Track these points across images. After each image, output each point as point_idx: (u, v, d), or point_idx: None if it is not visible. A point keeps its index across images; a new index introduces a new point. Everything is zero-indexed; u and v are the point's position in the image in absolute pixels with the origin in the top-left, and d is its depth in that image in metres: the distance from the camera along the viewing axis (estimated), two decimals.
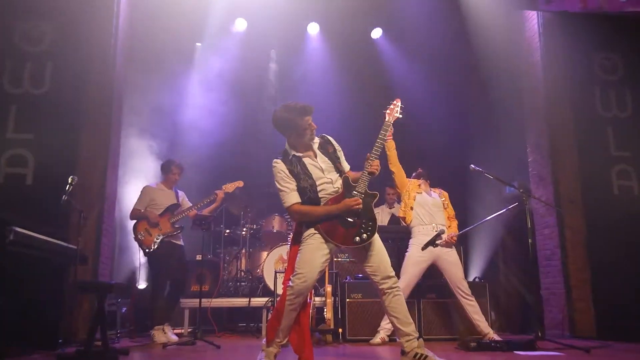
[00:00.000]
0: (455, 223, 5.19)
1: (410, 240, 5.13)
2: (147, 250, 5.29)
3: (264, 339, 3.56)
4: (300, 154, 3.55)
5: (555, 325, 5.75)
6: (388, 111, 3.72)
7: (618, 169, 5.88)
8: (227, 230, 7.23)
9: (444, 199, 5.23)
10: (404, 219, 5.18)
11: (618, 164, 5.90)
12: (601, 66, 6.15)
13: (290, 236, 5.84)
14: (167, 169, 5.60)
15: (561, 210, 5.65)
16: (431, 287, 5.38)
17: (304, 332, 3.50)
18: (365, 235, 3.43)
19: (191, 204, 5.59)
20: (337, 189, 3.51)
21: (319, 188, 3.49)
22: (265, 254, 6.75)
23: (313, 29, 8.06)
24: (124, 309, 5.73)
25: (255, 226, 7.28)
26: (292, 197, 3.48)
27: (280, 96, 8.38)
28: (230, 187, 5.63)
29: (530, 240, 4.63)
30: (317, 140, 3.62)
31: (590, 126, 5.99)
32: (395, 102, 3.75)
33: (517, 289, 6.59)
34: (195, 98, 7.58)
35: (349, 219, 3.44)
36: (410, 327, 3.47)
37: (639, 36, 6.11)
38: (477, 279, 5.83)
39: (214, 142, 7.40)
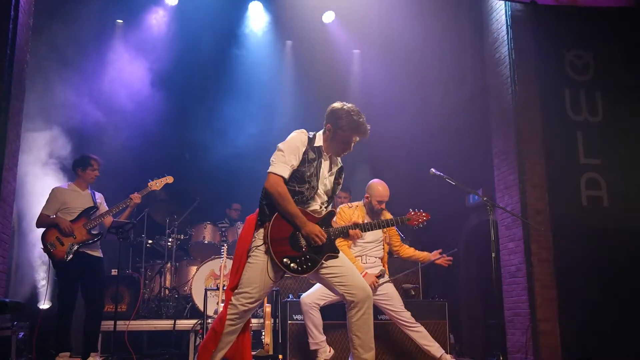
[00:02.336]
0: (405, 248, 5.37)
1: None
2: (59, 263, 5.15)
3: None
4: (324, 152, 3.70)
5: (518, 349, 6.03)
6: (413, 213, 4.15)
7: (587, 177, 6.25)
8: (150, 241, 7.14)
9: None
10: None
11: (587, 173, 6.26)
12: (572, 65, 6.52)
13: (225, 247, 5.91)
14: (84, 163, 5.46)
15: (528, 222, 5.93)
16: None
17: (244, 350, 3.57)
18: (294, 265, 3.53)
19: (108, 209, 5.49)
20: (318, 210, 3.67)
21: (313, 194, 3.63)
22: (194, 268, 6.71)
23: (256, 8, 8.09)
24: (21, 334, 5.53)
25: (182, 236, 7.24)
26: (283, 169, 3.56)
27: (213, 87, 8.36)
28: (157, 184, 5.54)
29: (493, 255, 4.82)
30: (339, 161, 3.81)
31: (559, 131, 6.33)
32: (425, 214, 4.15)
33: (479, 309, 6.86)
34: (114, 85, 7.44)
35: (300, 241, 3.55)
36: (370, 354, 3.58)
37: (613, 33, 6.50)
38: (435, 298, 6.03)
39: (135, 137, 7.30)
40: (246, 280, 3.51)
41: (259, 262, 3.52)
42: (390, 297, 5.07)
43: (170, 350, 6.41)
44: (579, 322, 5.75)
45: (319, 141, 3.70)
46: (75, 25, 6.87)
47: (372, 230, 3.91)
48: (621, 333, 5.67)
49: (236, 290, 3.54)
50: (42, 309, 6.11)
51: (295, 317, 5.32)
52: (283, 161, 3.57)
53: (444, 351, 4.99)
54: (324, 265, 3.60)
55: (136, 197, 5.42)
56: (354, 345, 3.60)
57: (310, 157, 3.64)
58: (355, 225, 3.78)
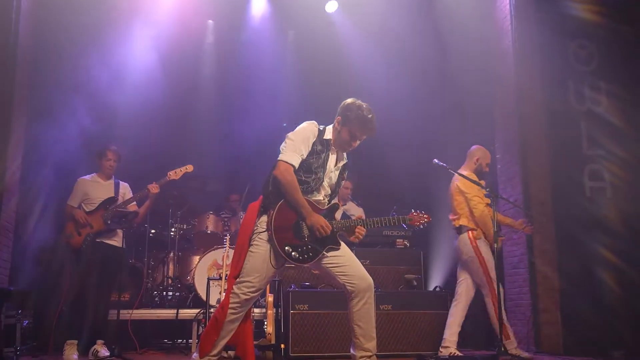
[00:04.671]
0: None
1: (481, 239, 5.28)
2: (75, 252, 5.23)
3: (195, 353, 3.63)
4: (332, 146, 3.75)
5: (520, 340, 6.06)
6: (415, 214, 4.01)
7: (590, 168, 6.27)
8: (153, 231, 7.18)
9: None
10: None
11: (590, 163, 6.28)
12: (575, 55, 6.51)
13: (227, 237, 5.95)
14: (101, 154, 5.54)
15: (531, 213, 5.95)
16: (387, 297, 5.56)
17: (246, 338, 3.63)
18: (295, 254, 3.57)
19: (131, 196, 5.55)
20: (321, 201, 3.72)
21: (318, 185, 3.68)
22: (196, 258, 6.76)
23: None
24: (25, 322, 5.59)
25: (185, 226, 7.28)
26: (293, 158, 3.60)
27: (218, 75, 8.37)
28: (177, 173, 5.56)
29: (496, 246, 4.85)
30: (345, 157, 3.85)
31: (563, 121, 6.34)
32: (427, 216, 4.03)
33: (481, 300, 6.88)
34: (119, 74, 7.45)
35: (303, 231, 3.58)
36: (371, 343, 3.63)
37: (618, 23, 6.47)
38: (437, 289, 6.07)
39: (139, 127, 7.32)
40: (248, 269, 3.56)
41: (261, 251, 3.56)
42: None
43: (173, 339, 6.47)
44: (580, 313, 5.78)
45: (328, 134, 3.74)
46: (78, 14, 6.88)
47: (374, 227, 3.90)
48: (623, 324, 5.70)
49: (238, 279, 3.58)
50: (49, 298, 6.16)
51: (297, 307, 5.36)
52: (293, 150, 3.61)
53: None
54: (325, 255, 3.64)
55: (154, 188, 5.44)
56: (355, 335, 3.64)
57: (319, 149, 3.68)
58: (359, 221, 3.79)
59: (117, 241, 5.48)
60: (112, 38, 7.45)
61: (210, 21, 8.37)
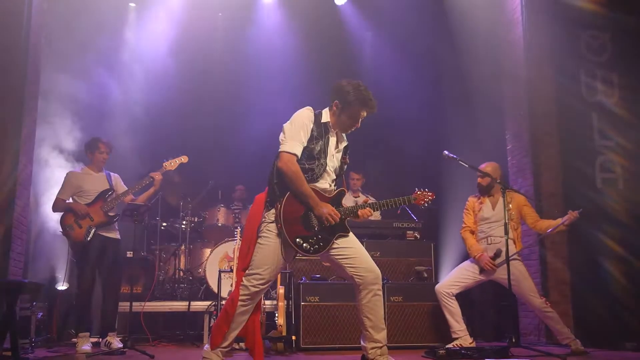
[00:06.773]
0: (540, 223, 5.25)
1: None
2: (78, 245, 5.25)
3: (207, 345, 3.65)
4: (331, 128, 3.71)
5: (531, 331, 6.05)
6: (419, 192, 3.92)
7: (602, 159, 6.21)
8: (164, 223, 7.22)
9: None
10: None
11: (602, 155, 6.22)
12: (588, 45, 6.44)
13: (238, 230, 5.97)
14: (93, 147, 5.53)
15: (542, 204, 5.92)
16: (397, 289, 5.56)
17: (255, 330, 3.64)
18: (307, 245, 3.56)
19: (127, 188, 5.56)
20: (328, 189, 3.69)
21: (322, 171, 3.64)
22: (208, 251, 6.80)
23: None
24: (40, 314, 5.66)
25: (196, 219, 7.31)
26: (295, 147, 3.57)
27: (225, 68, 8.37)
28: (172, 164, 5.57)
29: (506, 237, 4.83)
30: (345, 138, 3.81)
31: (574, 112, 6.27)
32: (431, 194, 3.94)
33: (491, 292, 6.87)
34: (127, 67, 7.48)
35: (313, 221, 3.58)
36: (381, 334, 3.62)
37: (630, 13, 6.37)
38: None
39: (148, 119, 7.35)
40: (257, 262, 3.56)
41: (270, 244, 3.55)
42: (517, 280, 5.03)
43: (185, 331, 6.51)
44: (591, 306, 5.75)
45: (325, 117, 3.72)
46: (89, 8, 6.91)
47: (380, 209, 3.91)
48: (634, 316, 5.66)
49: (247, 272, 3.58)
50: (61, 290, 6.22)
51: (308, 299, 5.37)
52: (294, 139, 3.58)
53: (573, 337, 5.03)
54: (335, 246, 3.63)
55: (157, 175, 5.44)
56: (365, 327, 3.64)
57: (318, 134, 3.66)
58: (365, 205, 3.78)
59: (114, 233, 5.50)
60: (118, 30, 7.47)
61: (220, 14, 8.36)
